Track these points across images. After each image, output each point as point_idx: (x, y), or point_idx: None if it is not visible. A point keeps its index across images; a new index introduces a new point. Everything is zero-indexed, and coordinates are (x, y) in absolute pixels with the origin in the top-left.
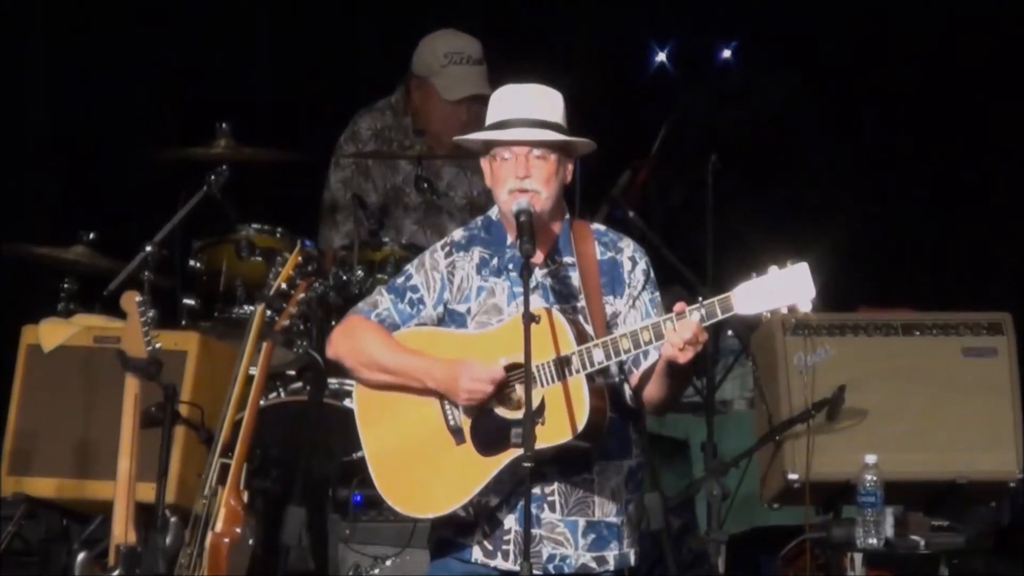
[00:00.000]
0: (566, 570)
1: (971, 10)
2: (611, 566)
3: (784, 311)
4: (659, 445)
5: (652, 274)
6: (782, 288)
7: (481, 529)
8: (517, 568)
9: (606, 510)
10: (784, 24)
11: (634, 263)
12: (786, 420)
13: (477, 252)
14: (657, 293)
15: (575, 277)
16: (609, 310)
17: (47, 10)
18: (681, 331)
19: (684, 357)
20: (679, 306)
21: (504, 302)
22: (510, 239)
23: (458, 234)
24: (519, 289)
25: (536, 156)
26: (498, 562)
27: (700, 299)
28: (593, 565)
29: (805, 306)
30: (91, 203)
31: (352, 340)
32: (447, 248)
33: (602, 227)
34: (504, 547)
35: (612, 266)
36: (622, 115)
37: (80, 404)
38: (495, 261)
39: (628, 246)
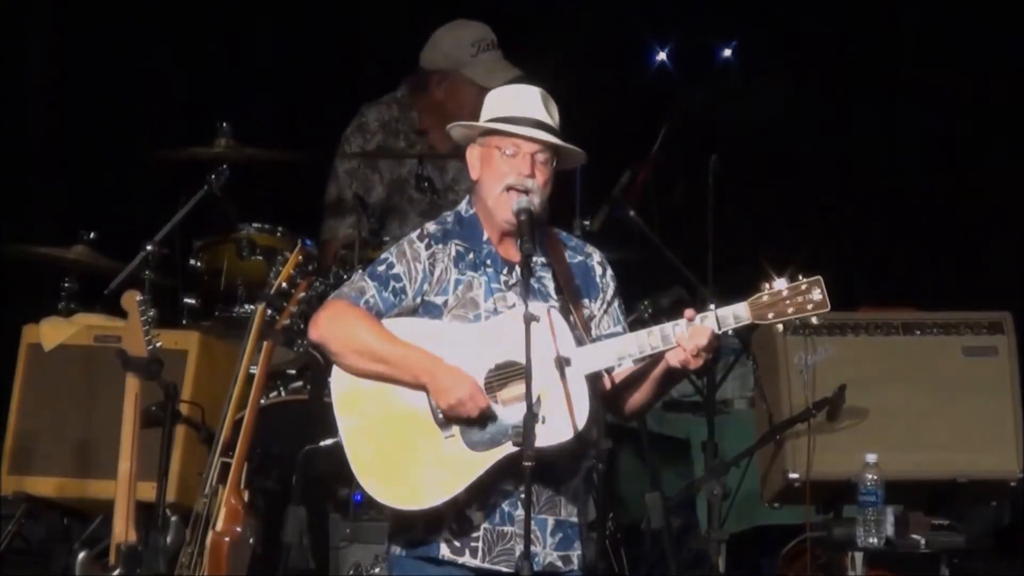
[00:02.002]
0: (535, 568)
1: (972, 9)
2: (575, 566)
3: (796, 321)
4: (660, 445)
5: (616, 281)
6: (797, 301)
7: (449, 526)
8: (486, 565)
9: (569, 510)
10: (784, 24)
11: (604, 268)
12: (787, 419)
13: (453, 245)
14: (622, 302)
15: (548, 277)
16: (585, 312)
17: (49, 10)
18: (696, 338)
19: (696, 364)
20: (690, 312)
21: (481, 297)
22: (486, 234)
23: (432, 227)
24: (496, 285)
25: (540, 159)
26: (466, 559)
27: (712, 306)
28: (559, 564)
29: (815, 318)
30: (92, 202)
31: (341, 325)
32: (426, 240)
33: (564, 232)
34: (473, 544)
35: (584, 270)
36: (622, 115)
37: (81, 403)
38: (471, 256)
39: (595, 252)
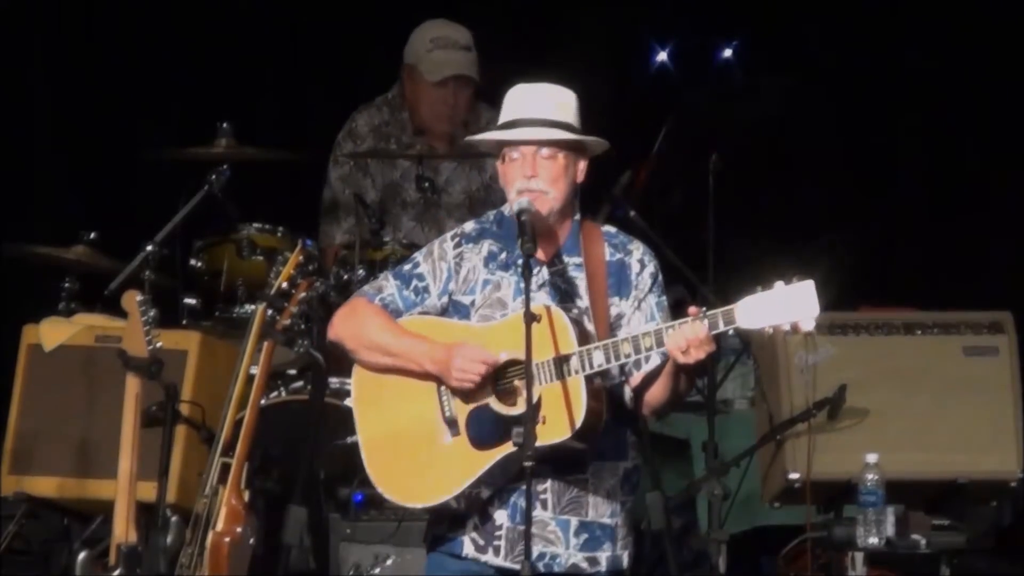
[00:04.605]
0: (556, 569)
1: (972, 11)
2: (603, 567)
3: (787, 327)
4: (660, 445)
5: (660, 278)
6: (787, 305)
7: (472, 522)
8: (508, 564)
9: (600, 511)
10: (784, 24)
11: (643, 266)
12: (787, 419)
13: (487, 245)
14: (664, 298)
15: (581, 277)
16: (614, 311)
17: (49, 10)
18: (684, 332)
19: (683, 359)
20: (693, 309)
21: (509, 297)
22: None
23: (469, 226)
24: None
25: (544, 156)
26: (489, 557)
27: (704, 309)
28: (584, 566)
29: (808, 324)
30: (92, 203)
31: (354, 322)
32: (456, 239)
33: (613, 229)
34: (496, 542)
35: (620, 268)
36: (623, 115)
37: (81, 403)
38: (504, 255)
39: (638, 249)
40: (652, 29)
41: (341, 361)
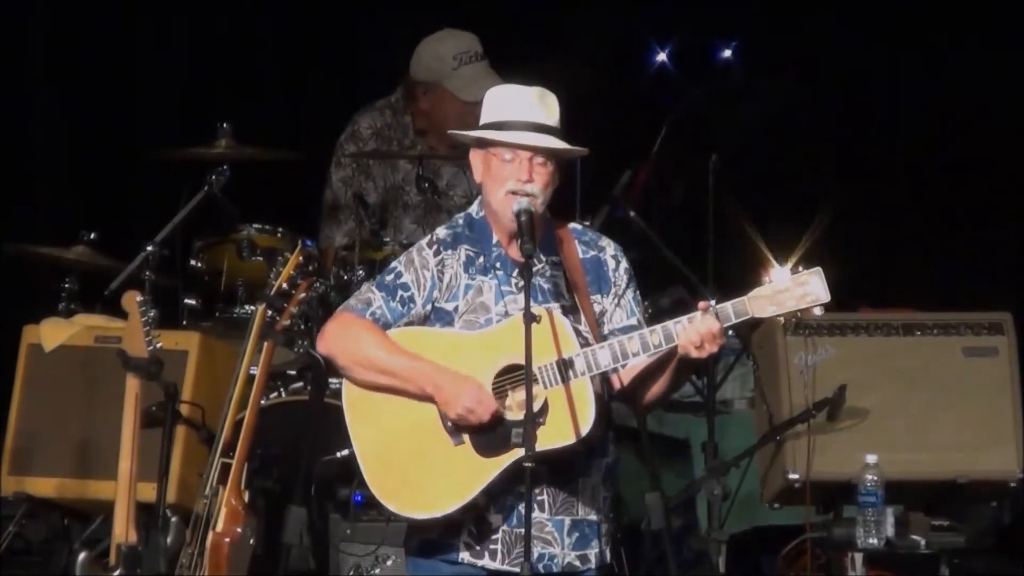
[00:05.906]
0: (554, 569)
1: (972, 9)
2: (592, 564)
3: (798, 315)
4: (660, 445)
5: (632, 272)
6: (797, 293)
7: (467, 529)
8: (505, 568)
9: (587, 509)
10: (784, 24)
11: (617, 261)
12: (787, 420)
13: (463, 250)
14: (638, 292)
15: (560, 276)
16: (596, 308)
17: (50, 10)
18: (697, 326)
19: (697, 353)
20: (703, 303)
21: (492, 300)
22: (495, 237)
23: (442, 232)
24: (507, 288)
25: (538, 162)
26: (485, 562)
27: (713, 302)
28: (577, 564)
29: (818, 310)
30: (92, 203)
31: (347, 338)
32: (435, 246)
33: (579, 226)
34: (492, 547)
35: (596, 264)
36: (622, 115)
37: (81, 404)
38: (481, 259)
39: (609, 245)
40: (652, 29)
41: None
